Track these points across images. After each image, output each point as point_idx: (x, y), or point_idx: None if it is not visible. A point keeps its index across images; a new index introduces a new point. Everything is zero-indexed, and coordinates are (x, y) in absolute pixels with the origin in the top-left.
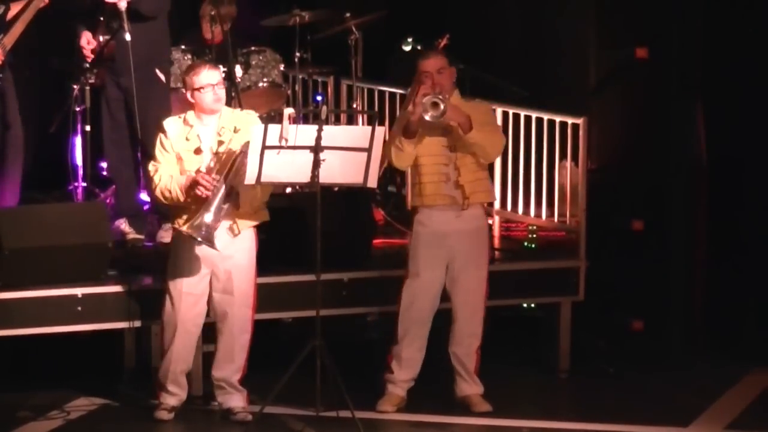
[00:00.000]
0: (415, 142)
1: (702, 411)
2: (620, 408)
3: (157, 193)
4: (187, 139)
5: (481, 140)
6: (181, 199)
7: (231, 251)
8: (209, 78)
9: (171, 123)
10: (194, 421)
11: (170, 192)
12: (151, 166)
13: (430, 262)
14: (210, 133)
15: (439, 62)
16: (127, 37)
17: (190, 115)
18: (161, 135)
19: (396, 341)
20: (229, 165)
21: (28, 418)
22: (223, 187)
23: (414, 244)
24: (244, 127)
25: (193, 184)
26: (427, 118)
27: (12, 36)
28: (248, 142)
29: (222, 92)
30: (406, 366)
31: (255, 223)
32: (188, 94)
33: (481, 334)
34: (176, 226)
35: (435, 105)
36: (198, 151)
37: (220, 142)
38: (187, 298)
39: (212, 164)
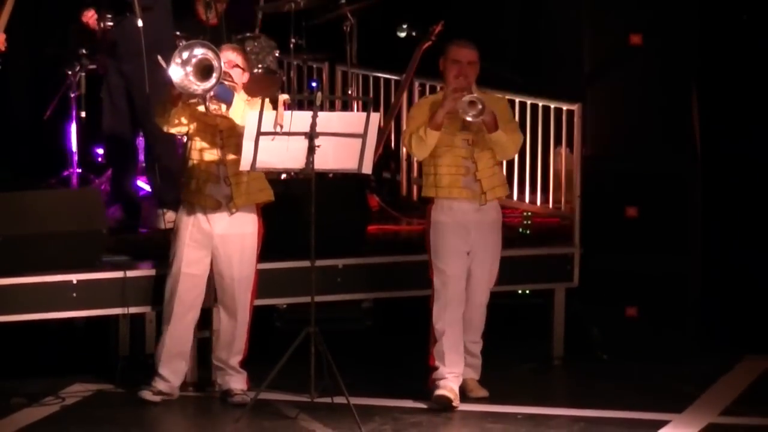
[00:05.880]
0: (439, 134)
1: (696, 398)
2: (614, 395)
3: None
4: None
5: (504, 140)
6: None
7: (233, 233)
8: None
9: None
10: (188, 407)
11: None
12: None
13: (456, 255)
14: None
15: (472, 55)
16: (139, 23)
17: None
18: None
19: (434, 341)
20: None
21: (23, 405)
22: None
23: (436, 236)
24: None
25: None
26: (468, 118)
27: None
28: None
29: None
30: (449, 362)
31: (255, 202)
32: None
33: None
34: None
35: (473, 104)
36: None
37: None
38: (185, 278)
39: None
